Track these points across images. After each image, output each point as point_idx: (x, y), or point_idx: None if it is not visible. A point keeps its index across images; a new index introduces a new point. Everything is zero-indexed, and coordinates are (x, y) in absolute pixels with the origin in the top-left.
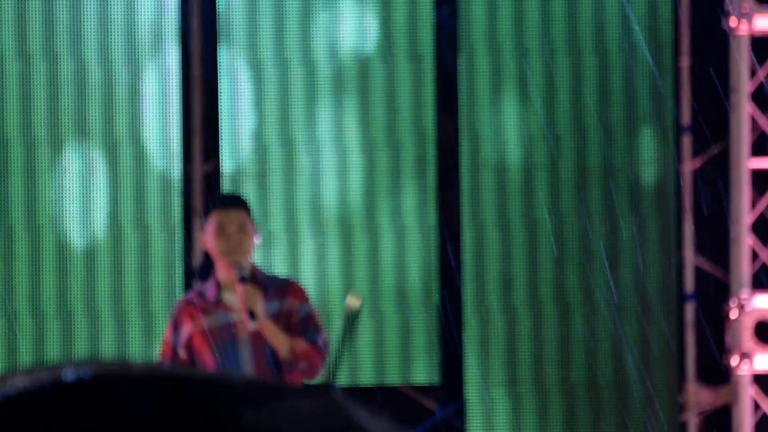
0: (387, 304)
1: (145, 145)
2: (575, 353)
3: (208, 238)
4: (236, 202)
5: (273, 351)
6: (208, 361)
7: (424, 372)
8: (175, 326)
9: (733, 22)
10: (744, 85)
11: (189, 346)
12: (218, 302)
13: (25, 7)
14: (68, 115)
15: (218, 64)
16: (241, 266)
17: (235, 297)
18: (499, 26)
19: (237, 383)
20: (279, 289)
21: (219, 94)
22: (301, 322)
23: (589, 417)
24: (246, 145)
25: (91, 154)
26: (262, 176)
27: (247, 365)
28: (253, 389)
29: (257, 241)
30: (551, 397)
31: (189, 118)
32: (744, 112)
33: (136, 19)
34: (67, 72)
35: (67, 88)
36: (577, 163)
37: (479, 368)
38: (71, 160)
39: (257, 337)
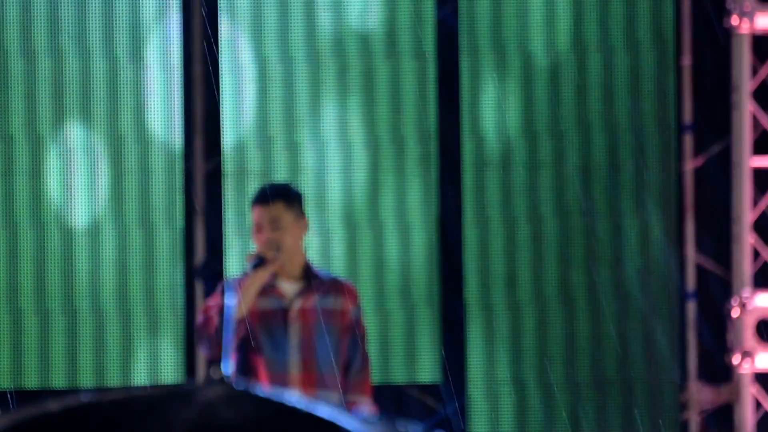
0: (390, 302)
1: (148, 143)
2: (578, 352)
3: (252, 233)
4: (272, 195)
5: (322, 343)
6: (259, 338)
7: (426, 370)
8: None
9: (734, 20)
10: (745, 83)
11: (243, 320)
12: (271, 287)
13: (29, 4)
14: (72, 112)
15: (220, 61)
16: (261, 258)
17: (289, 284)
18: (502, 25)
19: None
20: (334, 287)
21: (221, 91)
22: (351, 327)
23: (591, 415)
24: (248, 143)
25: (95, 152)
26: (265, 174)
27: (294, 354)
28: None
29: (304, 230)
30: (554, 395)
31: (190, 116)
32: (745, 110)
33: (139, 17)
34: (72, 68)
35: (71, 85)
36: (579, 162)
37: (482, 367)
38: (75, 158)
39: (307, 328)
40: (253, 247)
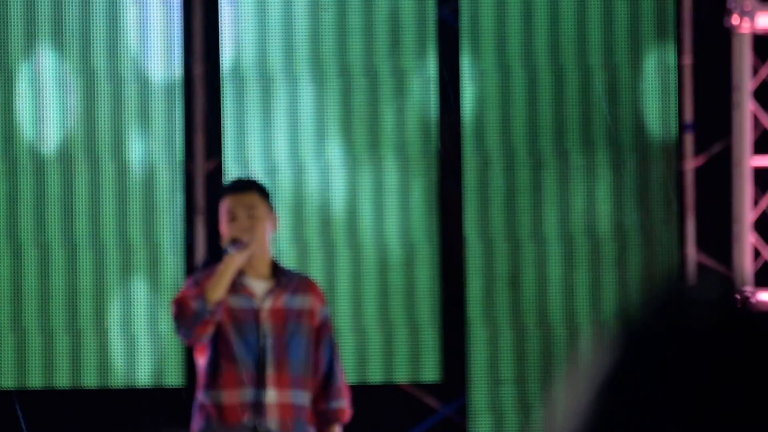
0: (393, 301)
1: (149, 142)
2: (580, 351)
3: (222, 225)
4: (247, 185)
5: (293, 343)
6: (230, 337)
7: (428, 370)
8: (198, 286)
9: (735, 20)
10: (746, 83)
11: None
12: (241, 286)
13: (34, 6)
14: (76, 111)
15: (221, 59)
16: (237, 241)
17: (258, 283)
18: (504, 23)
19: None
20: (302, 285)
21: (222, 90)
22: (322, 328)
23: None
24: (250, 142)
25: (97, 152)
26: (266, 174)
27: (267, 353)
28: None
29: (273, 226)
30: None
31: (191, 116)
32: (746, 110)
33: (142, 16)
34: (74, 67)
35: (75, 82)
36: (581, 161)
37: (482, 366)
38: (77, 159)
39: (278, 328)
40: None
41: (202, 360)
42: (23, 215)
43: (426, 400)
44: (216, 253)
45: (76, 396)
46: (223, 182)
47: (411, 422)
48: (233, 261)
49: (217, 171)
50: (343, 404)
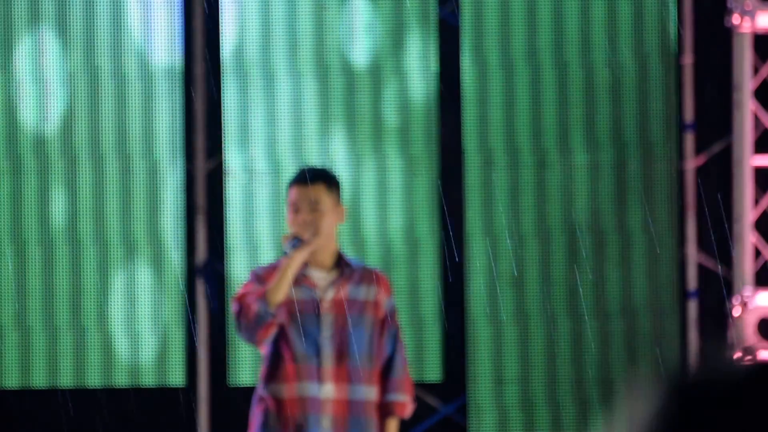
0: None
1: (151, 142)
2: (582, 350)
3: (287, 215)
4: (313, 177)
5: (356, 335)
6: (289, 329)
7: (429, 369)
8: (260, 282)
9: (735, 19)
10: (747, 82)
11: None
12: (303, 276)
13: (38, 3)
14: (79, 110)
15: (221, 58)
16: (297, 238)
17: (321, 274)
18: (505, 23)
19: None
20: (367, 276)
21: (222, 89)
22: (387, 320)
23: (596, 413)
24: (251, 141)
25: (99, 153)
26: (268, 173)
27: (327, 346)
28: None
29: (340, 218)
30: (557, 394)
31: (192, 115)
32: (747, 109)
33: (145, 15)
34: (77, 65)
35: (77, 83)
36: (582, 160)
37: (483, 366)
38: (80, 159)
39: (340, 319)
40: (286, 230)
41: (264, 352)
42: (26, 214)
43: (427, 399)
44: (216, 252)
45: (79, 395)
46: (224, 182)
47: (412, 421)
48: (294, 260)
49: (217, 170)
50: (401, 398)
